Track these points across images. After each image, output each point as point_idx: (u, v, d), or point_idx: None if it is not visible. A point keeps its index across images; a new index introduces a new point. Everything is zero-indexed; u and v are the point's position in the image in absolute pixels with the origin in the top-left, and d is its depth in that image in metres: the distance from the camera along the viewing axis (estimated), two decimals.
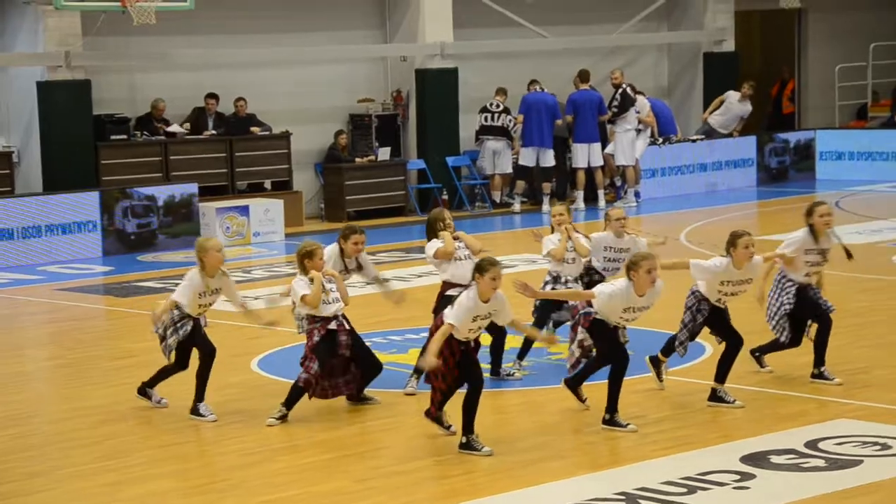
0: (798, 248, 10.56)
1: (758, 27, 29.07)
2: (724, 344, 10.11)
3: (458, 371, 9.08)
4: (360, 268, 10.79)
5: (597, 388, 10.12)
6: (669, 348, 10.36)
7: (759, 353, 10.90)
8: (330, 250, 10.56)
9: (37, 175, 19.65)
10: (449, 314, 8.95)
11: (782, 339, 10.60)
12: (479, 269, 8.95)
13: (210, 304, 10.21)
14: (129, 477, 8.86)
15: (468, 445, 8.99)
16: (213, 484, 8.66)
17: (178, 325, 10.07)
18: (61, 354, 13.11)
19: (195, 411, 10.12)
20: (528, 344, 10.91)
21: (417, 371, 10.42)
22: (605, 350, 9.61)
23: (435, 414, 9.30)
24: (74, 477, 8.90)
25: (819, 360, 10.60)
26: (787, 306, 10.52)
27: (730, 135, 24.26)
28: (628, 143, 22.42)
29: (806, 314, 10.60)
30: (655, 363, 10.49)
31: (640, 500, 7.97)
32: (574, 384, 9.87)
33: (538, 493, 8.19)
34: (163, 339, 10.14)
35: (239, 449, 9.37)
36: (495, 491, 8.28)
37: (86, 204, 18.59)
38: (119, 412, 10.37)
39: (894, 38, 28.14)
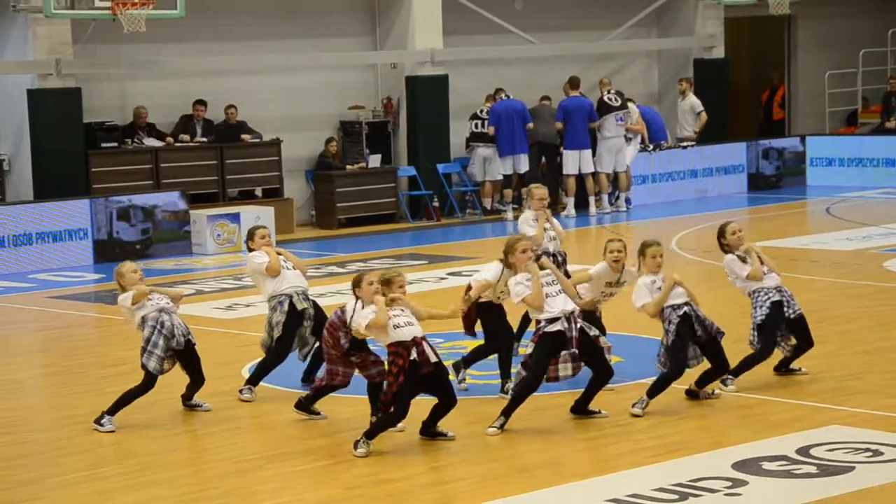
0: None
1: (748, 33, 29.13)
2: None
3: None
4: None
5: (576, 396, 10.10)
6: (703, 380, 10.35)
7: (783, 368, 10.89)
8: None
9: (27, 183, 19.61)
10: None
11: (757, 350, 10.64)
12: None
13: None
14: (121, 485, 8.85)
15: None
16: (204, 491, 8.65)
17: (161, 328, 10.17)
18: (53, 362, 13.09)
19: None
20: (477, 354, 10.89)
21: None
22: (593, 366, 9.74)
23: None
24: (66, 485, 8.89)
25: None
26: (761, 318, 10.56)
27: (694, 135, 24.14)
28: (606, 151, 22.44)
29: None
30: (693, 395, 10.45)
31: None
32: (582, 408, 9.91)
33: (530, 500, 8.19)
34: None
35: (230, 456, 9.36)
36: (487, 498, 8.27)
37: (76, 212, 18.58)
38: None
39: (884, 44, 28.21)
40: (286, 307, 10.79)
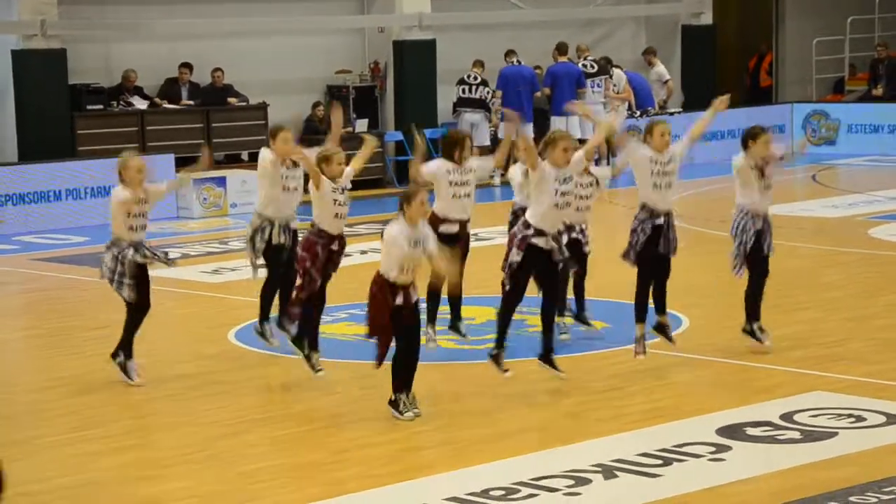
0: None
1: (736, 0, 29.07)
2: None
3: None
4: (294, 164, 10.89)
5: (561, 361, 10.15)
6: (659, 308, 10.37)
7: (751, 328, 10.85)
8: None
9: (12, 145, 19.53)
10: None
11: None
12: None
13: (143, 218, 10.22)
14: (107, 447, 8.85)
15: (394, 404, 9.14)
16: (190, 455, 8.66)
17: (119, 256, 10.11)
18: (37, 324, 13.08)
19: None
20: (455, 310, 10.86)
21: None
22: (509, 283, 9.67)
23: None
24: (52, 446, 8.89)
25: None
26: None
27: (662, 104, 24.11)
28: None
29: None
30: (661, 329, 10.46)
31: (617, 472, 8.00)
32: (546, 356, 9.88)
33: (516, 465, 8.21)
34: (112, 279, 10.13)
35: (216, 420, 9.37)
36: (472, 462, 8.30)
37: (62, 174, 18.52)
38: (95, 382, 10.35)
39: (872, 11, 28.17)
40: (267, 234, 10.77)
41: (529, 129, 22.06)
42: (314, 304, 10.04)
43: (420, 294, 9.29)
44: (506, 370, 9.70)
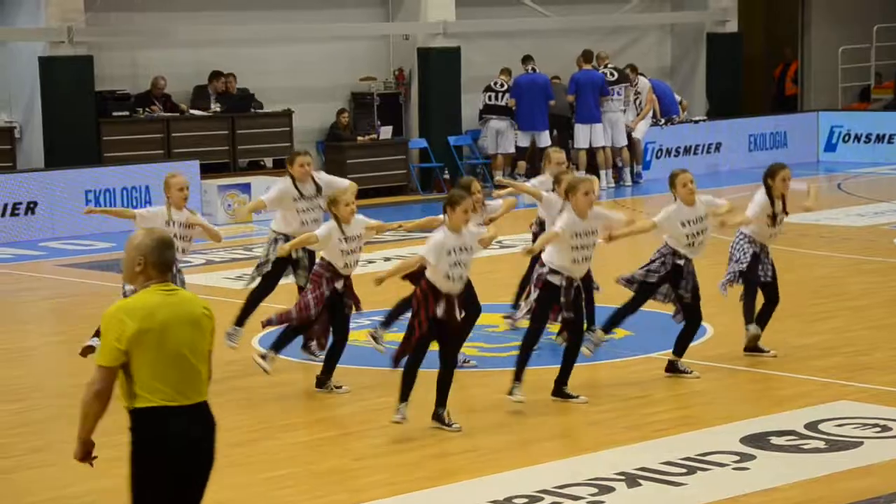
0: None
1: (761, 8, 28.99)
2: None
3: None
4: (318, 189, 10.84)
5: (585, 370, 10.12)
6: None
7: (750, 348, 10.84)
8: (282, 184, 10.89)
9: (38, 151, 19.63)
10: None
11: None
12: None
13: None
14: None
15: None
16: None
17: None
18: (63, 330, 13.13)
19: None
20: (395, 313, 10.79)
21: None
22: (532, 316, 9.62)
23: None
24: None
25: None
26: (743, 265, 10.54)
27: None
28: (604, 124, 22.34)
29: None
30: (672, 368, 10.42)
31: (640, 480, 7.98)
32: (559, 388, 9.81)
33: (539, 472, 8.21)
34: None
35: (238, 426, 9.38)
36: (495, 470, 8.29)
37: (88, 180, 18.60)
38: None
39: None
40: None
41: (545, 137, 22.09)
42: (338, 338, 10.05)
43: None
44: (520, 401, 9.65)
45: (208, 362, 5.77)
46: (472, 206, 9.31)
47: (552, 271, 9.55)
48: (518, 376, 9.59)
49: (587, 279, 10.05)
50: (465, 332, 9.65)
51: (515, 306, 11.22)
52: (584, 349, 10.00)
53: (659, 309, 11.68)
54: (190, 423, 5.66)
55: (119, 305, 5.70)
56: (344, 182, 11.17)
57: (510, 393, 9.57)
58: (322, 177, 11.20)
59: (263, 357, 10.11)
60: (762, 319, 10.71)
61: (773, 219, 10.62)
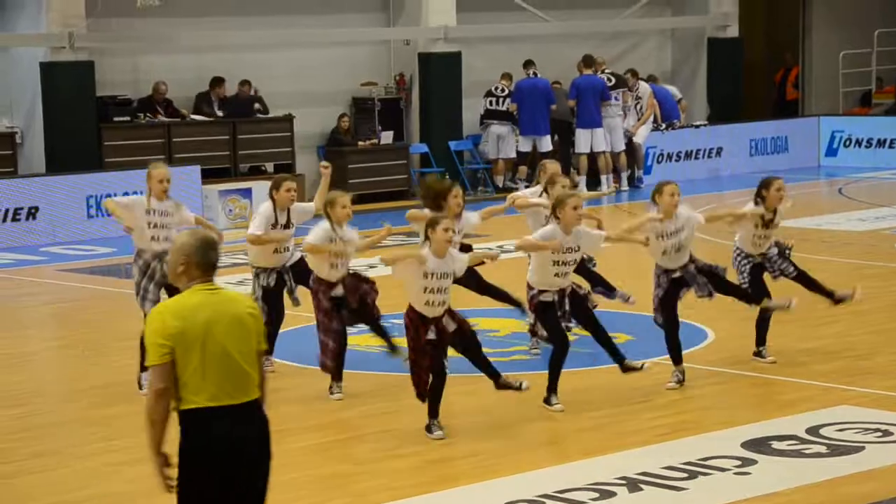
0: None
1: (762, 12, 29.02)
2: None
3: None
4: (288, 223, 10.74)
5: (587, 374, 10.12)
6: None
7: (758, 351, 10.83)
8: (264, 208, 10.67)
9: (40, 156, 19.64)
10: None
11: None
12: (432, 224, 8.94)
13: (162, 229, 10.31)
14: (133, 457, 8.86)
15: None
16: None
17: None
18: (64, 335, 13.14)
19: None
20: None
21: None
22: (548, 335, 9.63)
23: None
24: (78, 457, 8.92)
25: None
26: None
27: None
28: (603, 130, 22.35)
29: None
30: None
31: (642, 485, 7.98)
32: (549, 395, 9.77)
33: (540, 477, 8.20)
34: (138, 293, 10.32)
35: None
36: (496, 475, 8.29)
37: (89, 185, 18.62)
38: (123, 393, 10.38)
39: None
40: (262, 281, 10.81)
41: (547, 142, 22.10)
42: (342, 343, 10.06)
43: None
44: (557, 406, 9.66)
45: (258, 362, 5.73)
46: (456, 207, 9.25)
47: (540, 291, 9.55)
48: (553, 388, 9.61)
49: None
50: (471, 336, 9.46)
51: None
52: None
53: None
54: (234, 424, 5.61)
55: (162, 306, 5.72)
56: (309, 204, 11.04)
57: (548, 403, 9.58)
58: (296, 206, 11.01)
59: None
60: (818, 289, 10.71)
61: (765, 223, 10.56)
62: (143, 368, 10.33)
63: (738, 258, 10.65)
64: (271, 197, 10.73)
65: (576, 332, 10.42)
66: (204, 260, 5.68)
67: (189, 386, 5.59)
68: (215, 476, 5.59)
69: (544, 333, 9.67)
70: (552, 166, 11.74)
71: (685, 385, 10.18)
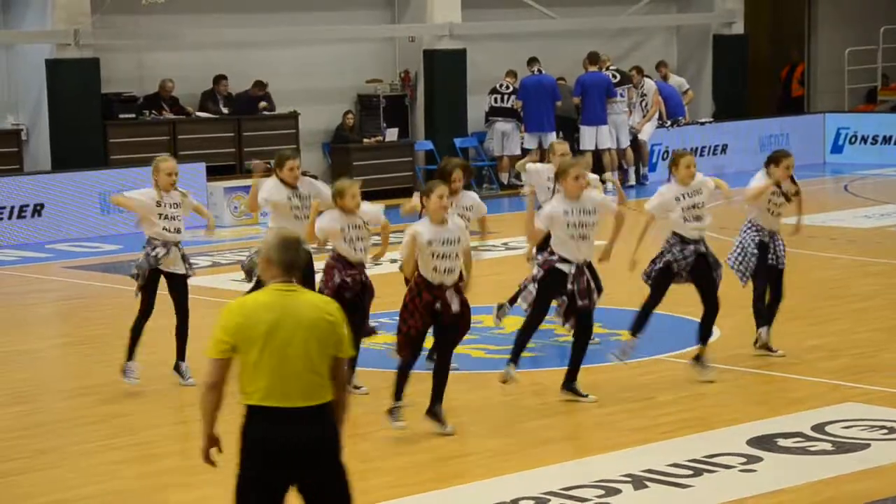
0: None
1: (768, 9, 28.98)
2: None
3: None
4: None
5: (592, 371, 10.10)
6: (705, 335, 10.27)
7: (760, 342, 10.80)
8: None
9: (45, 153, 19.65)
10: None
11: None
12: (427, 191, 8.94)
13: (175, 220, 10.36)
14: (135, 455, 8.88)
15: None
16: (219, 463, 8.64)
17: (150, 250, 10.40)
18: (69, 332, 13.14)
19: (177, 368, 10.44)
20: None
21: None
22: (532, 308, 9.56)
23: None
24: (81, 454, 8.93)
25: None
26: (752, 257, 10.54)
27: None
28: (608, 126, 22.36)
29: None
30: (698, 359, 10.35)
31: (647, 482, 7.97)
32: (570, 384, 9.77)
33: (546, 474, 8.20)
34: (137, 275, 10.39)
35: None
36: (502, 472, 8.28)
37: (94, 182, 18.62)
38: (125, 391, 10.38)
39: None
40: None
41: (552, 139, 22.05)
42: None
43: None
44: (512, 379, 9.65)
45: (332, 368, 5.65)
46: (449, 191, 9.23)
47: (562, 259, 9.51)
48: (515, 359, 9.58)
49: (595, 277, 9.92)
50: (462, 328, 9.45)
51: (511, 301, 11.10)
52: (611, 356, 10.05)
53: (665, 311, 11.68)
54: (291, 426, 5.57)
55: (234, 302, 5.73)
56: (326, 189, 11.01)
57: (506, 375, 9.58)
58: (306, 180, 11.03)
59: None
60: (769, 316, 10.68)
61: (780, 190, 10.53)
62: (129, 356, 10.40)
63: (749, 231, 10.58)
64: (276, 175, 10.74)
65: (559, 333, 10.44)
66: (282, 258, 5.66)
67: (244, 382, 5.62)
68: (270, 475, 5.58)
69: (524, 303, 9.58)
70: (560, 146, 11.61)
71: (691, 382, 10.15)
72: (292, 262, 5.68)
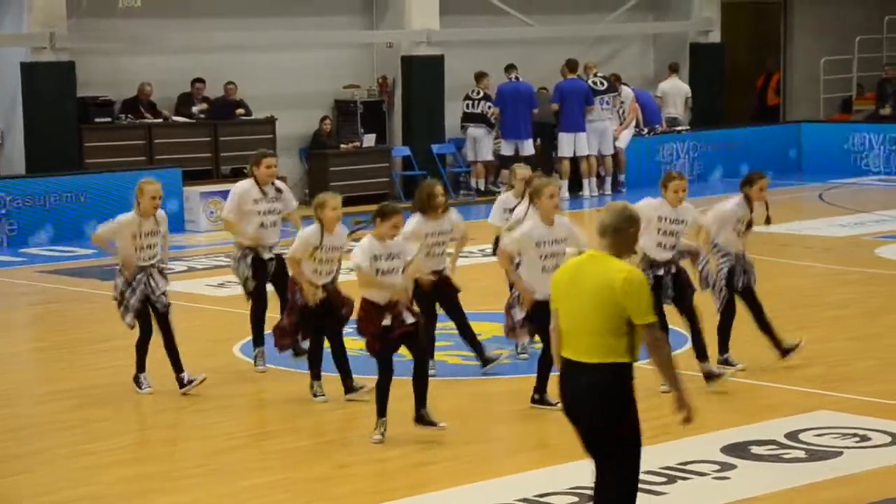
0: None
1: (744, 18, 29.09)
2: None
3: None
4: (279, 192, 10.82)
5: None
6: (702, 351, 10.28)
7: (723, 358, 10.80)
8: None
9: (20, 157, 19.57)
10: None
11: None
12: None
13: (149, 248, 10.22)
14: (110, 460, 8.84)
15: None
16: (193, 468, 8.65)
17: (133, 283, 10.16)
18: (42, 337, 13.08)
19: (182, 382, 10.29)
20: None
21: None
22: (540, 335, 9.58)
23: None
24: (54, 460, 8.89)
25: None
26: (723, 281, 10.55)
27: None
28: (591, 134, 22.32)
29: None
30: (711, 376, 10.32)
31: None
32: (540, 396, 9.77)
33: (520, 481, 8.20)
34: (121, 303, 10.16)
35: (220, 434, 9.36)
36: (476, 478, 8.28)
37: (69, 186, 18.56)
38: (100, 395, 10.35)
39: (879, 31, 28.18)
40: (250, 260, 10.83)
41: (529, 146, 22.11)
42: (331, 342, 10.01)
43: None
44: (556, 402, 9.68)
45: (620, 329, 6.27)
46: (438, 206, 9.36)
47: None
48: (543, 387, 9.63)
49: None
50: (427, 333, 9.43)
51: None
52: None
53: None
54: (568, 378, 6.39)
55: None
56: (294, 201, 11.11)
57: (542, 402, 9.62)
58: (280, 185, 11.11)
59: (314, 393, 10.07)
60: (763, 326, 10.68)
61: (748, 226, 10.61)
62: (140, 370, 10.31)
63: (717, 255, 10.59)
64: (252, 174, 10.72)
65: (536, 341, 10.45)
66: (600, 226, 6.29)
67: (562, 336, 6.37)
68: (571, 418, 6.52)
69: (525, 339, 9.64)
70: (521, 171, 11.53)
71: (664, 389, 10.17)
72: (605, 226, 6.34)
